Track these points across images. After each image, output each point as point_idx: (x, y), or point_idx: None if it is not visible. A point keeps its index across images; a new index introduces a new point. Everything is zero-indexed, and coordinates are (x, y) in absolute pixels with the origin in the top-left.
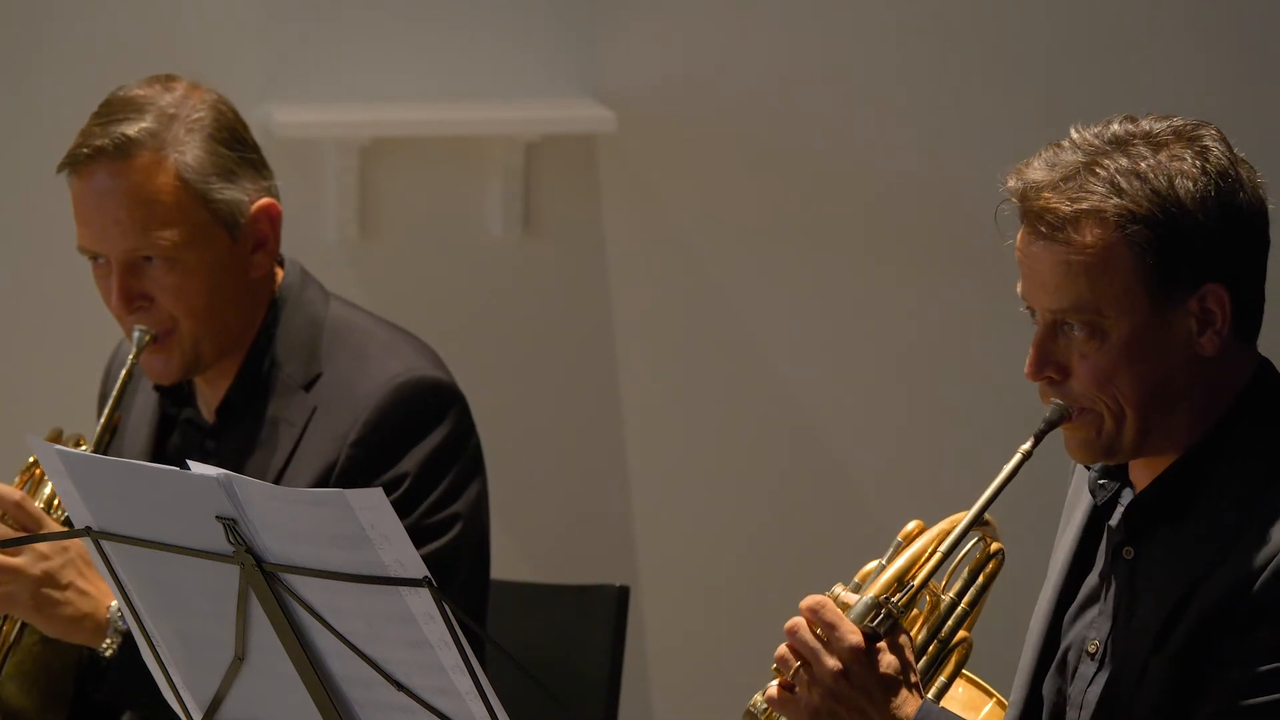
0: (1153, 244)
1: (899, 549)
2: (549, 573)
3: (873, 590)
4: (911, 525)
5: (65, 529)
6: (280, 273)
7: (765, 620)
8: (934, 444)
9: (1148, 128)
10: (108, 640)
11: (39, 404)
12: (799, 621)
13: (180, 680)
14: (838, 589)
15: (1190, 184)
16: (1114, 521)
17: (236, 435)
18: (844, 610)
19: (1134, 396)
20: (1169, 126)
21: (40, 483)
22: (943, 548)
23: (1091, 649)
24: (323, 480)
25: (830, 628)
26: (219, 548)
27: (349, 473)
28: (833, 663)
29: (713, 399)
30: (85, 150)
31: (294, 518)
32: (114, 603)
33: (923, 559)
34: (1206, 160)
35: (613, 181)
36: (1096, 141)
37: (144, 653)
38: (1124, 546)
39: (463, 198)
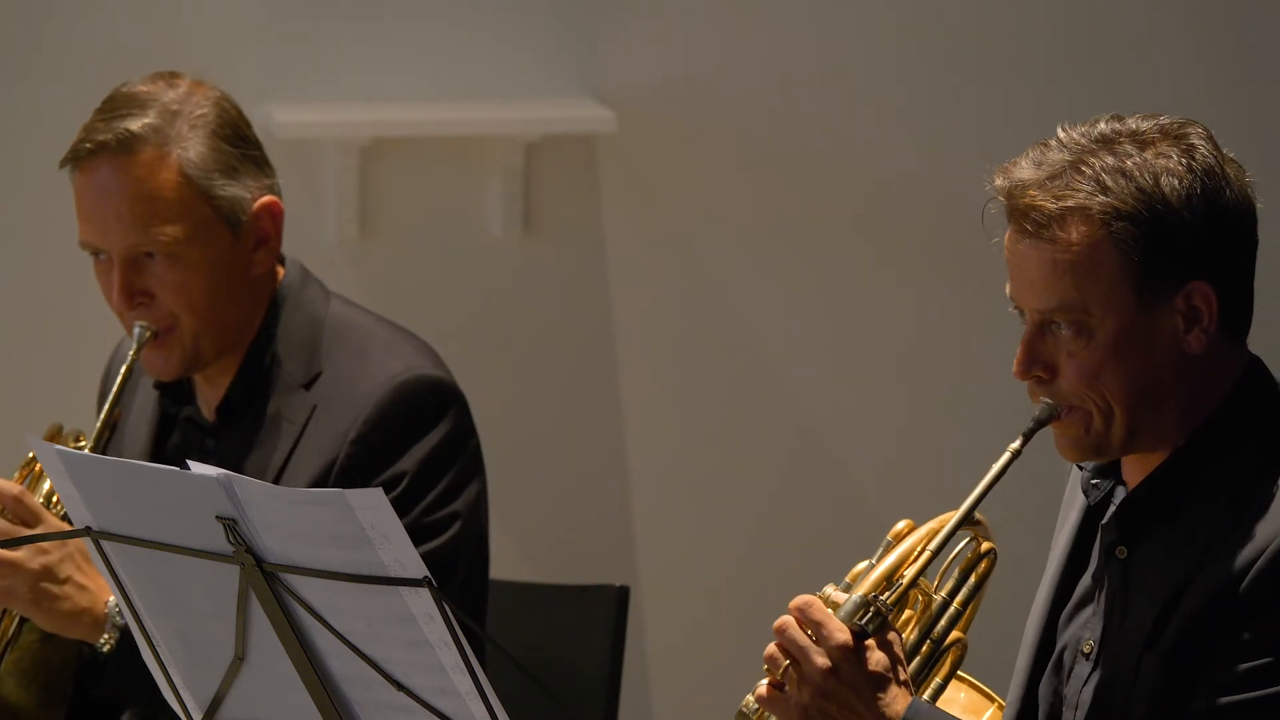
0: (1138, 241)
1: (888, 548)
2: (549, 573)
3: (861, 589)
4: (901, 524)
5: (64, 523)
6: (281, 271)
7: (765, 620)
8: (933, 444)
9: (1134, 126)
10: (105, 635)
11: (39, 402)
12: (787, 620)
13: (180, 680)
14: (828, 589)
15: (1176, 181)
16: (1107, 520)
17: (236, 434)
18: (833, 609)
19: (1122, 394)
20: (1156, 125)
21: (40, 478)
22: (932, 546)
23: (1086, 649)
24: (322, 478)
25: (818, 626)
26: (219, 548)
27: (349, 471)
28: (822, 661)
29: (713, 399)
30: (88, 145)
31: (294, 518)
32: (112, 598)
33: (912, 557)
34: (1193, 158)
35: (613, 181)
36: (1083, 140)
37: (144, 652)
38: (1117, 546)
39: (463, 198)
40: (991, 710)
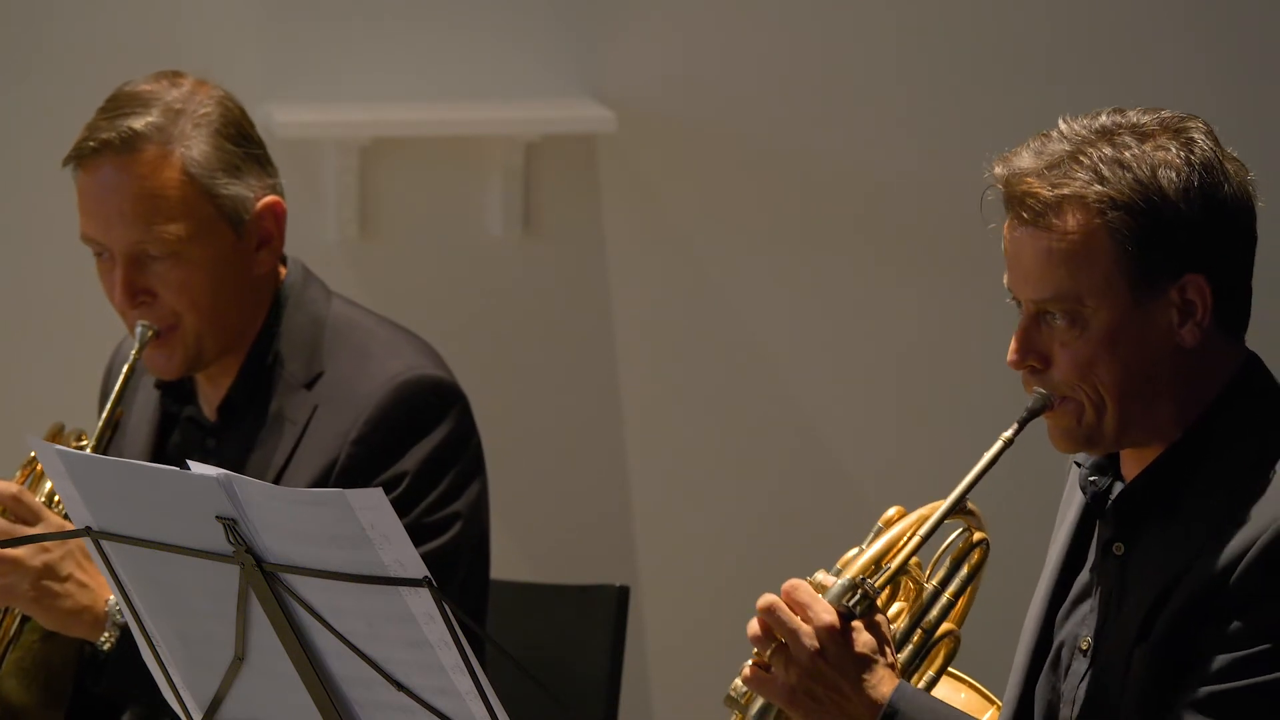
0: (1133, 232)
1: (878, 534)
2: (549, 573)
3: (850, 572)
4: (892, 511)
5: (65, 522)
6: (283, 271)
7: None
8: (933, 444)
9: (1135, 119)
10: (106, 634)
11: (40, 401)
12: (774, 599)
13: (180, 680)
14: (818, 574)
15: (1173, 174)
16: (1104, 516)
17: (238, 433)
18: (822, 593)
19: (1114, 386)
20: (1156, 119)
21: (41, 478)
22: (922, 531)
23: (1084, 645)
24: (324, 478)
25: (804, 607)
26: (219, 548)
27: (350, 471)
28: (809, 641)
29: (713, 399)
30: (91, 144)
31: (294, 518)
32: (113, 596)
33: (901, 542)
34: (1191, 152)
35: (613, 181)
36: (1084, 131)
37: (144, 652)
38: (1114, 543)
39: (463, 198)
40: (991, 711)
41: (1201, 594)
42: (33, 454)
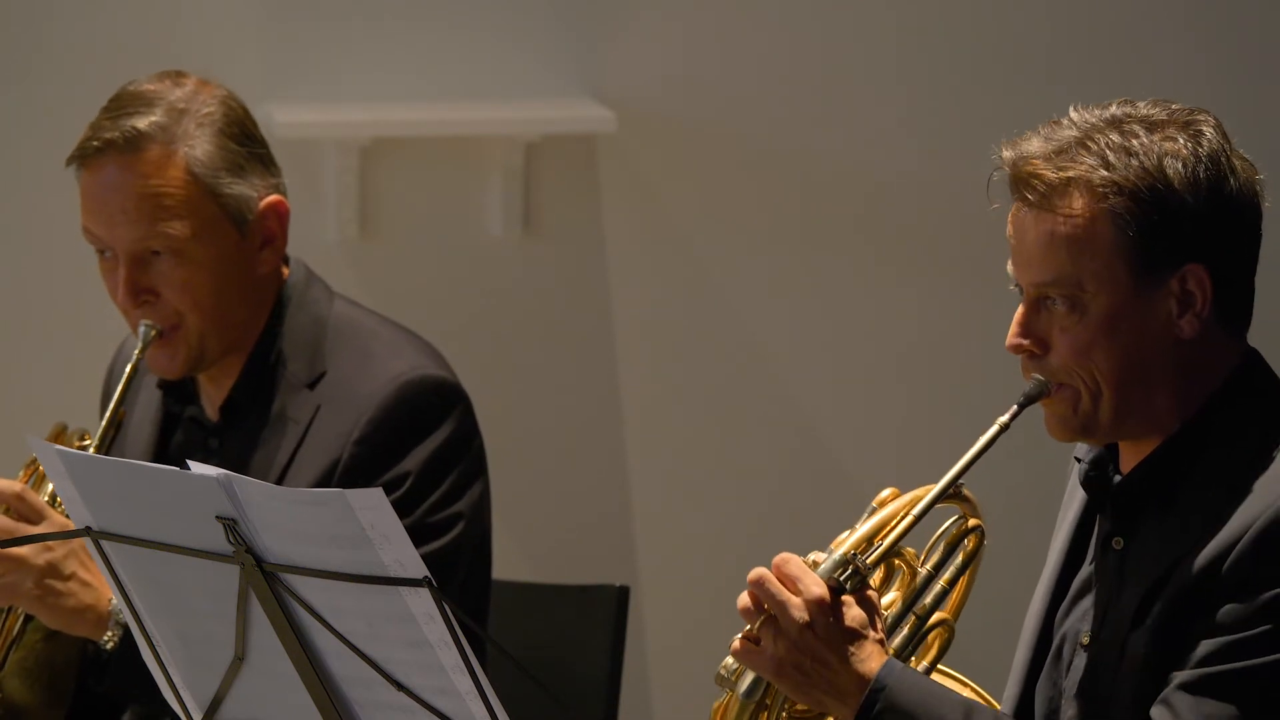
0: (1136, 218)
1: (872, 513)
2: (549, 573)
3: (841, 548)
4: (886, 492)
5: (68, 521)
6: (286, 271)
7: None
8: (933, 444)
9: (1145, 111)
10: (109, 633)
11: (41, 401)
12: (764, 572)
13: (180, 680)
14: (812, 555)
15: (1180, 165)
16: (1104, 510)
17: (240, 433)
18: (813, 569)
19: (1111, 373)
20: (1166, 111)
21: (44, 477)
22: (915, 511)
23: (1085, 640)
24: (326, 478)
25: (794, 580)
26: (219, 548)
27: (352, 471)
28: (798, 614)
29: (713, 399)
30: (95, 143)
31: (294, 518)
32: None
33: (894, 521)
34: (1199, 144)
35: (613, 181)
36: (1093, 120)
37: (144, 653)
38: (1113, 537)
39: (463, 198)
40: None
41: (1196, 581)
42: None
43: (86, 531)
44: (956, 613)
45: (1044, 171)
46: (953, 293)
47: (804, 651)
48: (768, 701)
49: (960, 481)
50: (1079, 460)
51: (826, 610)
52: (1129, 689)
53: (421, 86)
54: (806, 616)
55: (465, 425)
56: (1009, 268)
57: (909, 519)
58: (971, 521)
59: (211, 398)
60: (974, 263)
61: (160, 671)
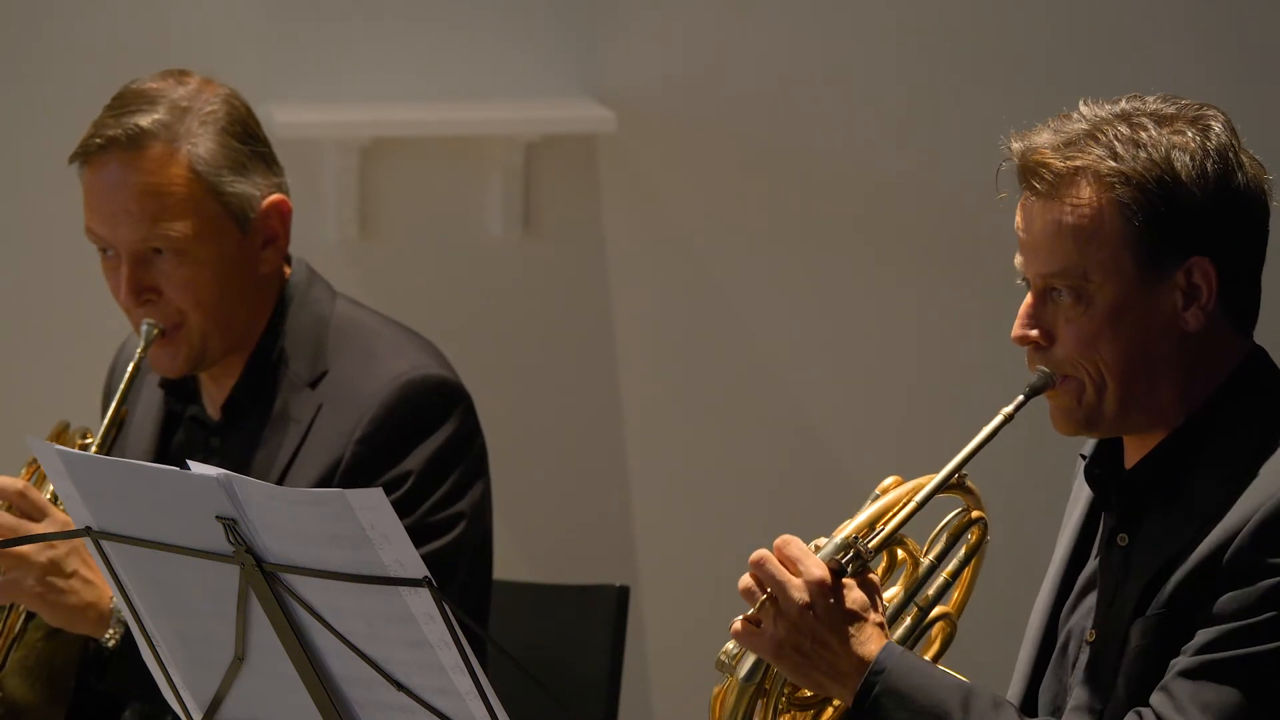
0: (1143, 208)
1: (874, 500)
2: (549, 573)
3: (844, 532)
4: (889, 480)
5: (68, 519)
6: (288, 270)
7: None
8: (933, 444)
9: (1154, 106)
10: (111, 630)
11: (41, 401)
12: (765, 553)
13: (180, 680)
14: (817, 540)
15: (1187, 158)
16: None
17: (241, 432)
18: (815, 553)
19: (1115, 365)
20: (1175, 106)
21: (45, 477)
22: (918, 498)
23: (1090, 637)
24: (328, 478)
25: (795, 562)
26: (219, 548)
27: (354, 470)
28: (798, 595)
29: (713, 399)
30: (98, 140)
31: (294, 518)
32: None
33: (897, 508)
34: (1207, 138)
35: (613, 181)
36: (1103, 113)
37: (144, 653)
38: (1118, 533)
39: (463, 198)
40: None
41: (1197, 571)
42: None
43: (87, 531)
44: (960, 610)
45: (1052, 160)
46: (953, 293)
47: (803, 632)
48: (766, 686)
49: (964, 473)
50: (1084, 457)
51: (827, 592)
52: (1130, 678)
53: (421, 86)
54: (807, 597)
55: (467, 425)
56: (1016, 260)
57: (912, 505)
58: (974, 513)
59: (213, 397)
60: (974, 263)
61: (160, 671)
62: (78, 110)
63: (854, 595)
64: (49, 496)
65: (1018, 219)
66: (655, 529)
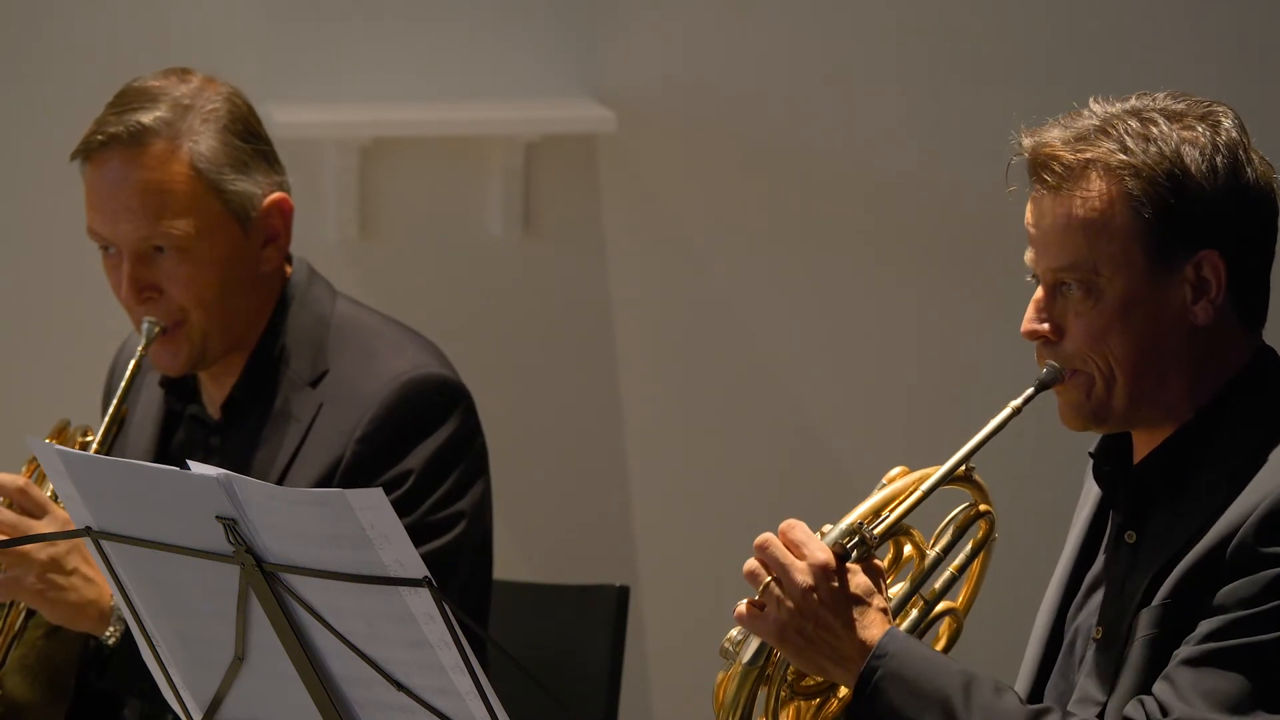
0: (1152, 201)
1: (881, 488)
2: (549, 573)
3: (849, 518)
4: (895, 470)
5: (69, 517)
6: (289, 269)
7: None
8: (934, 445)
9: (1164, 103)
10: (111, 628)
11: (41, 400)
12: (769, 536)
13: (180, 680)
14: (823, 528)
15: (1197, 152)
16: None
17: (242, 431)
18: (821, 538)
19: (1124, 358)
20: (1185, 103)
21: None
22: (924, 486)
23: (1097, 635)
24: (328, 477)
25: (799, 545)
26: (219, 548)
27: (354, 469)
28: (802, 578)
29: (713, 399)
30: (99, 138)
31: (294, 517)
32: None
33: (903, 496)
34: (1217, 134)
35: (613, 181)
36: (1113, 110)
37: (144, 653)
38: (1126, 530)
39: (463, 198)
40: None
41: (1201, 563)
42: None
43: (87, 532)
44: (967, 607)
45: (1063, 153)
46: (953, 293)
47: (806, 615)
48: (768, 673)
49: (972, 466)
50: (1093, 456)
51: (830, 575)
52: (1134, 668)
53: (421, 86)
54: (810, 580)
55: (468, 424)
56: (1026, 256)
57: (919, 493)
58: (982, 507)
59: (213, 396)
60: (974, 263)
61: (160, 671)
62: (78, 110)
63: (858, 580)
64: (50, 495)
65: (1028, 214)
66: (655, 529)
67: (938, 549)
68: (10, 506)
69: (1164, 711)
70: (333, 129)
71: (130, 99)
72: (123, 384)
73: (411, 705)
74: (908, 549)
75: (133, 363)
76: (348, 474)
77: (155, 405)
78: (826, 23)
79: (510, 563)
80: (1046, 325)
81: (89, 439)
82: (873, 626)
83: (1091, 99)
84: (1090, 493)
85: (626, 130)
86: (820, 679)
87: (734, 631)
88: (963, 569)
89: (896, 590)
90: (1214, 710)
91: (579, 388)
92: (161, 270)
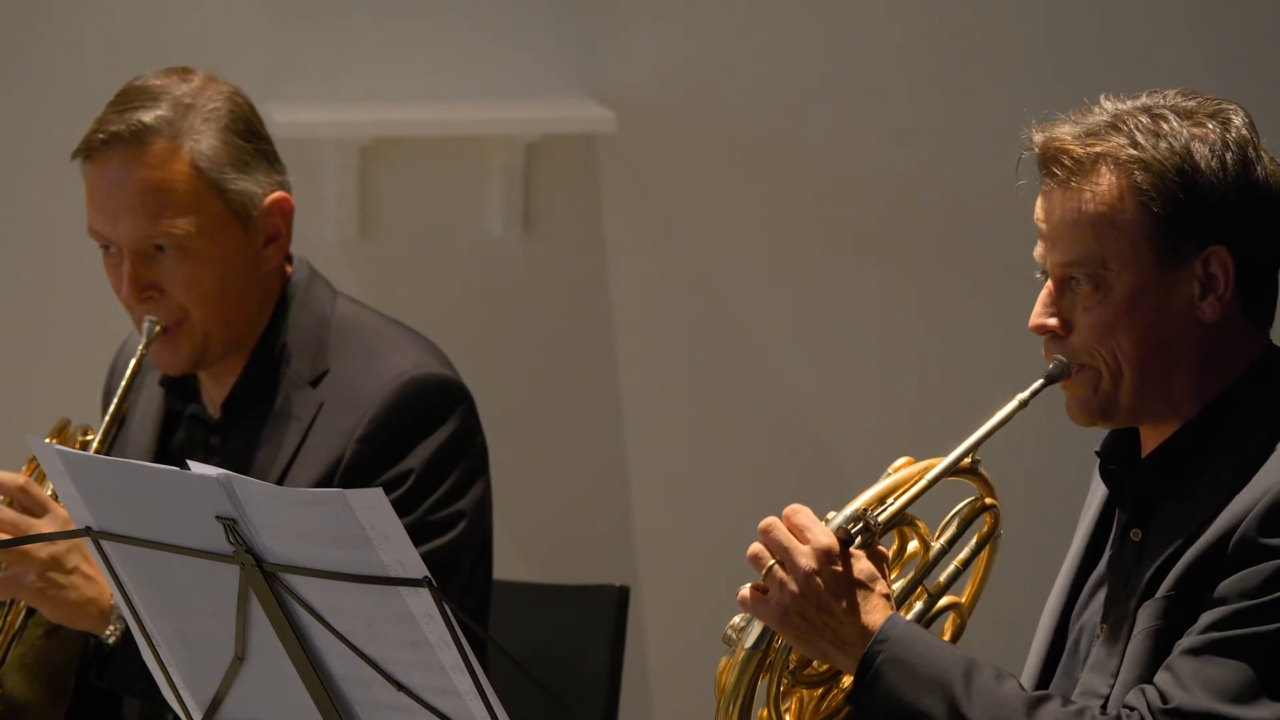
0: (1161, 195)
1: (886, 477)
2: (549, 573)
3: (854, 504)
4: (901, 460)
5: (69, 516)
6: (289, 269)
7: None
8: (934, 444)
9: (1175, 101)
10: (111, 627)
11: (41, 400)
12: (773, 520)
13: (180, 680)
14: (829, 515)
15: (1207, 149)
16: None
17: (242, 431)
18: (825, 524)
19: (1132, 353)
20: (1195, 101)
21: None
22: (930, 475)
23: (1101, 632)
24: (329, 476)
25: (802, 530)
26: (219, 548)
27: (355, 469)
28: (805, 562)
29: (713, 399)
30: (101, 136)
31: (294, 517)
32: None
33: (908, 484)
34: (1227, 131)
35: (613, 181)
36: (1124, 107)
37: (144, 653)
38: (1131, 528)
39: (463, 198)
40: None
41: (1204, 555)
42: None
43: (87, 531)
44: (972, 603)
45: (1073, 147)
46: (954, 293)
47: (809, 599)
48: (770, 660)
49: (978, 459)
50: (1097, 454)
51: (834, 559)
52: (1137, 659)
53: (421, 86)
54: (813, 564)
55: (468, 424)
56: (1035, 252)
57: (924, 482)
58: (987, 500)
59: (213, 395)
60: (975, 263)
61: (160, 671)
62: (78, 110)
63: (861, 565)
64: (50, 494)
65: (1038, 209)
66: (655, 529)
67: (942, 541)
68: (11, 505)
69: (1164, 700)
70: (333, 129)
71: (131, 98)
72: (123, 383)
73: (411, 705)
74: (913, 543)
75: (133, 362)
76: (348, 473)
77: (155, 405)
78: (827, 22)
79: (510, 563)
80: (1054, 320)
81: (89, 438)
82: (875, 612)
83: (1103, 96)
84: (1096, 493)
85: (626, 130)
86: (822, 668)
87: (737, 618)
88: (968, 564)
89: (900, 584)
90: (1214, 699)
91: (579, 388)
92: (162, 269)
